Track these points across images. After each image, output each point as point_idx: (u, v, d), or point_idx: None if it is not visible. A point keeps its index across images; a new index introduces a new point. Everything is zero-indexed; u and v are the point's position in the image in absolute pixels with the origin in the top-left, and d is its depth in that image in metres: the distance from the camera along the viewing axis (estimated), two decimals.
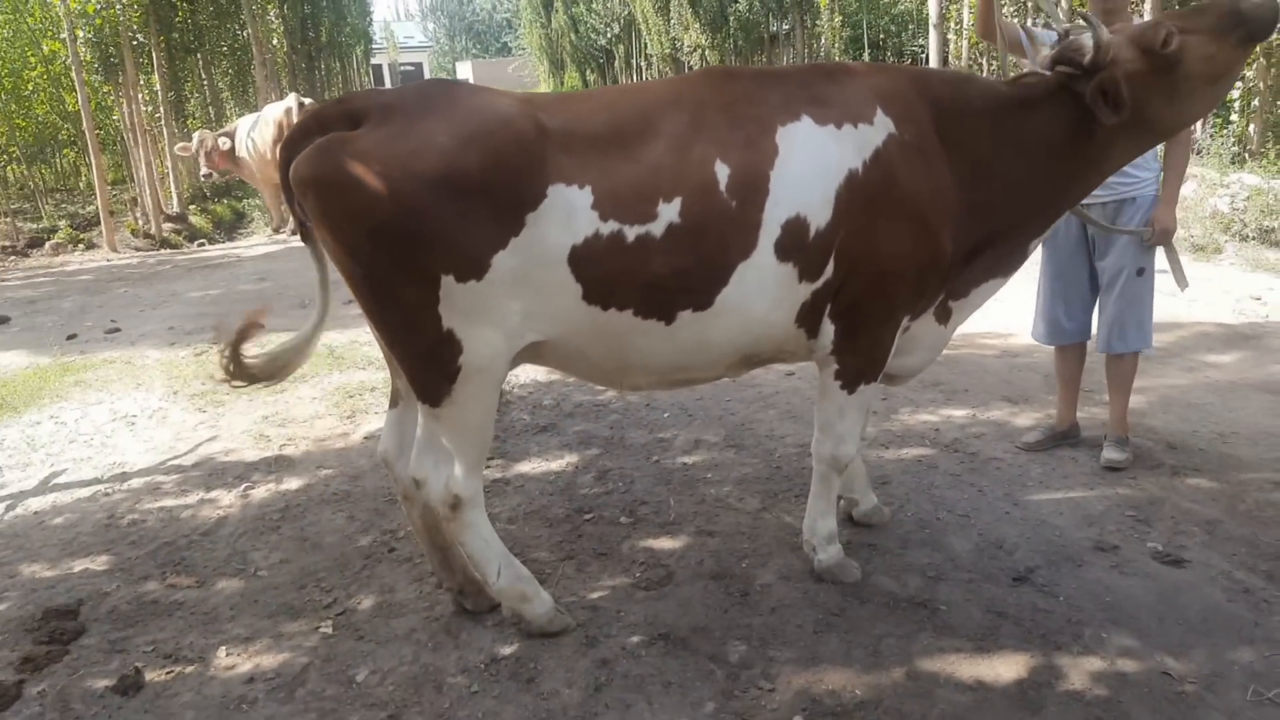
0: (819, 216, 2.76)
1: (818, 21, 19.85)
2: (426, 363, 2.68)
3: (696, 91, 2.84)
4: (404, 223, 2.47)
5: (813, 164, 2.77)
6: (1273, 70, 9.89)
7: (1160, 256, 4.05)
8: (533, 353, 2.85)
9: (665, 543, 3.68)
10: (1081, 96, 2.86)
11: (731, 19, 22.63)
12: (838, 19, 18.39)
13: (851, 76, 2.99)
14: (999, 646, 2.92)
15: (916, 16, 18.07)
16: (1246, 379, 5.28)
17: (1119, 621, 3.02)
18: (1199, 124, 9.31)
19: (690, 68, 26.89)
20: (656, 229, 2.63)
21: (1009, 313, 6.93)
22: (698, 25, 24.03)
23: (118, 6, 12.82)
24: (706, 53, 24.56)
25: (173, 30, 15.89)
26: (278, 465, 4.69)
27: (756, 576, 3.38)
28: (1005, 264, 3.25)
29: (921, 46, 17.56)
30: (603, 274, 2.64)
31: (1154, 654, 2.85)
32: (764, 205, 2.71)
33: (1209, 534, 3.57)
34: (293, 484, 4.44)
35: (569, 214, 2.58)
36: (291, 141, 2.62)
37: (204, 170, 13.92)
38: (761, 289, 2.77)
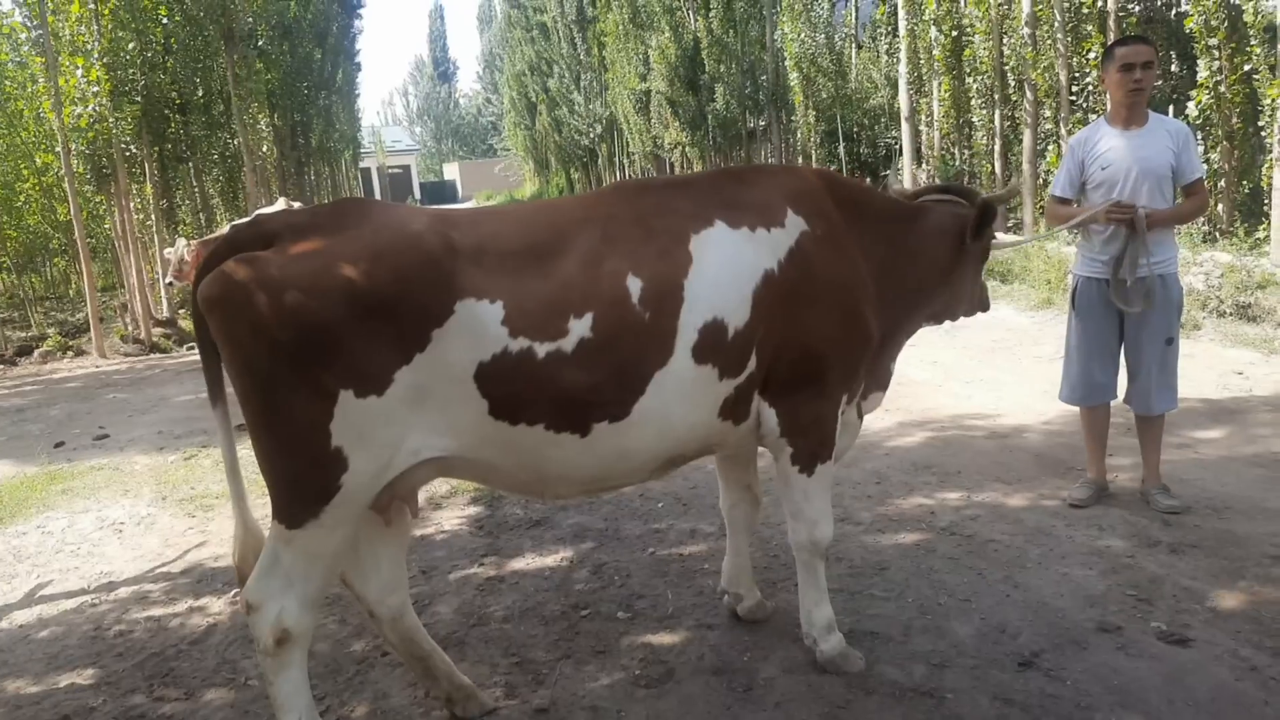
0: (737, 317, 2.84)
1: (793, 117, 20.49)
2: (304, 482, 2.57)
3: (608, 206, 2.91)
4: (307, 338, 2.43)
5: (728, 268, 2.85)
6: (1236, 152, 10.24)
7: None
8: (440, 468, 2.78)
9: (664, 638, 3.62)
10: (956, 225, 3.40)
11: (710, 117, 23.36)
12: (812, 114, 18.99)
13: (761, 178, 3.19)
14: None
15: (889, 110, 18.69)
16: (1236, 454, 5.31)
17: (1128, 705, 2.97)
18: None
19: (672, 164, 27.65)
20: (568, 344, 2.63)
21: (994, 394, 7.00)
22: (677, 124, 24.78)
23: (111, 120, 13.12)
24: (687, 149, 25.28)
25: (165, 141, 16.25)
26: None
27: (759, 670, 3.32)
28: (881, 376, 3.51)
29: (894, 138, 18.12)
30: (511, 390, 2.61)
31: None
32: (679, 313, 2.76)
33: (1211, 612, 3.54)
34: None
35: (477, 330, 2.56)
36: (206, 266, 2.57)
37: (168, 279, 13.65)
38: (680, 394, 2.80)
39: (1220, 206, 10.43)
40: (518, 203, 3.72)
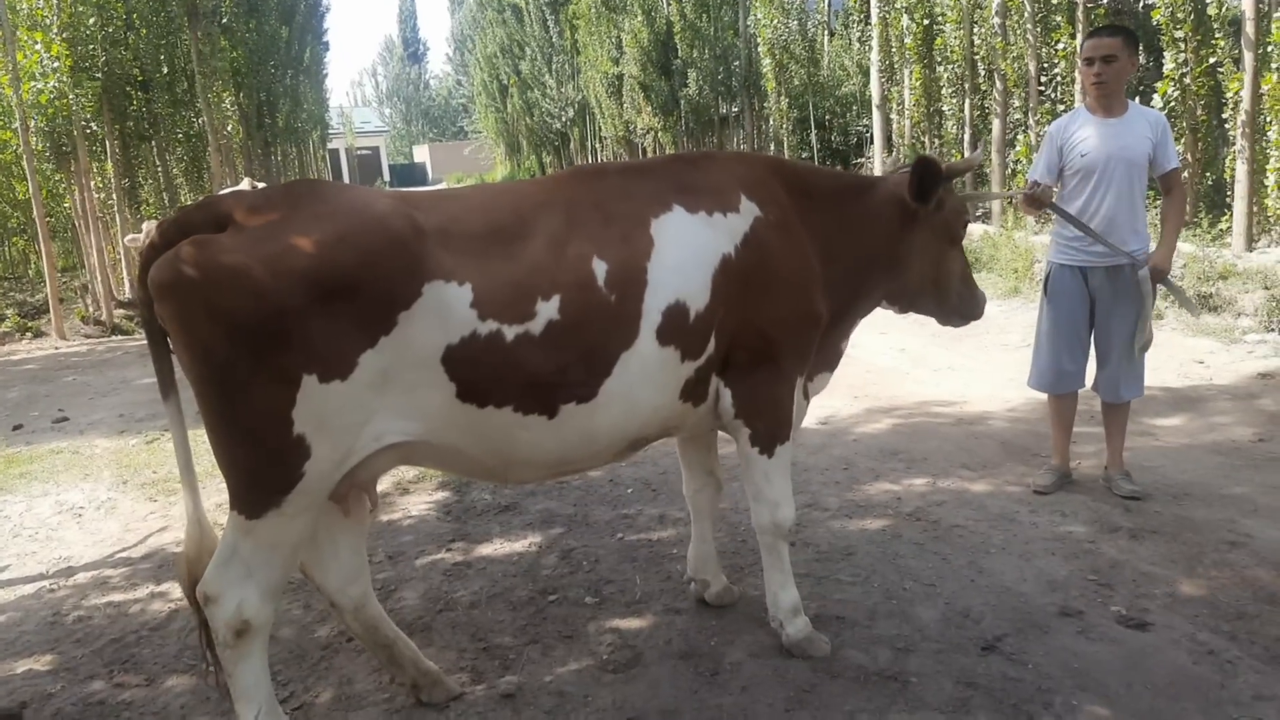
0: (698, 300, 2.89)
1: (765, 104, 20.47)
2: (265, 471, 2.50)
3: (568, 191, 2.93)
4: (268, 322, 2.36)
5: (688, 251, 2.90)
6: (1200, 144, 10.38)
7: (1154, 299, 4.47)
8: (402, 454, 2.74)
9: (632, 622, 3.62)
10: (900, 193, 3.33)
11: (682, 102, 23.27)
12: (784, 101, 18.98)
13: (714, 164, 3.25)
14: (971, 718, 2.89)
15: (860, 98, 18.73)
16: (1196, 441, 5.41)
17: (1088, 688, 3.02)
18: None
19: (644, 149, 27.55)
20: (536, 327, 2.63)
21: (961, 382, 7.06)
22: (650, 109, 24.66)
23: (71, 96, 12.82)
24: (659, 134, 25.18)
25: (127, 119, 15.91)
26: None
27: (726, 654, 3.33)
28: (830, 356, 3.52)
29: (866, 126, 18.17)
30: (480, 373, 2.60)
31: None
32: (643, 296, 2.80)
33: (1170, 596, 3.60)
34: None
35: (445, 313, 2.53)
36: (152, 248, 2.47)
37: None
38: (645, 375, 2.83)
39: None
40: (474, 186, 3.65)
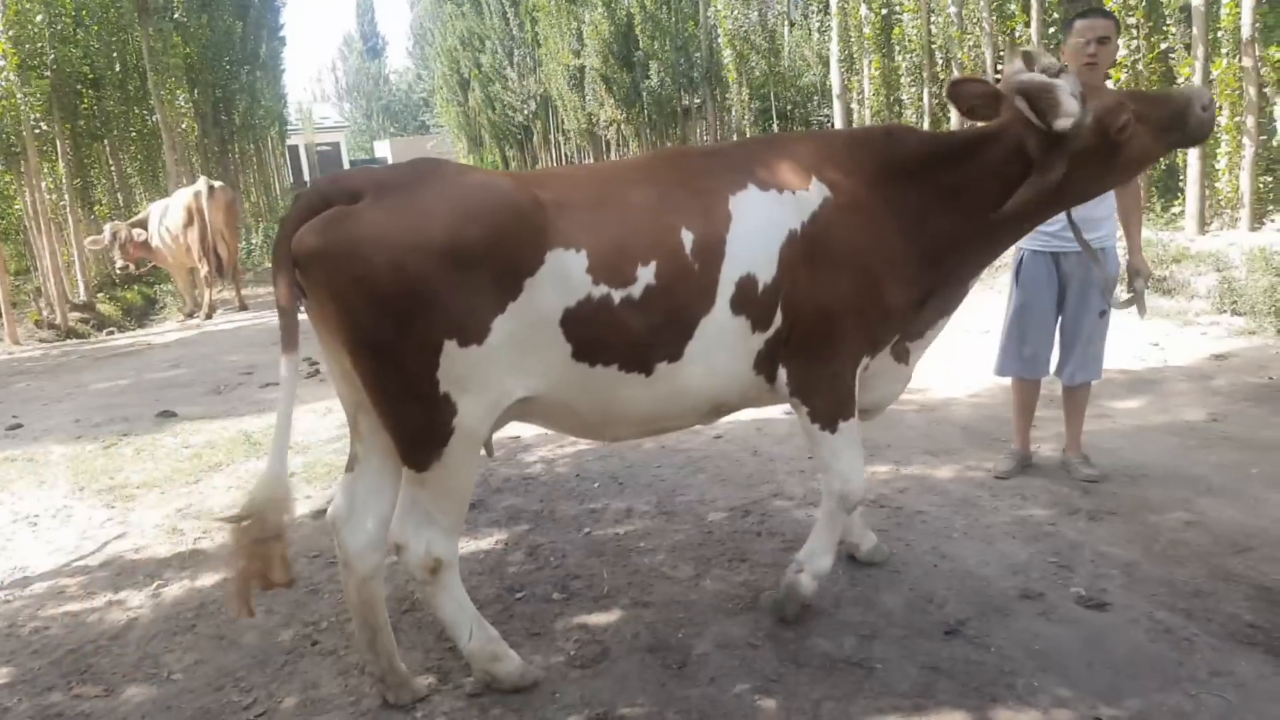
0: (765, 273, 3.01)
1: (727, 95, 20.50)
2: (420, 428, 2.77)
3: (657, 169, 3.14)
4: (411, 291, 2.58)
5: (759, 227, 3.02)
6: None
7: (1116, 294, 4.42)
8: (518, 410, 2.97)
9: (599, 617, 3.61)
10: (1020, 141, 3.03)
11: (645, 94, 23.24)
12: (746, 92, 19.03)
13: (790, 145, 3.29)
14: (936, 703, 2.92)
15: (821, 88, 18.82)
16: (1151, 423, 5.50)
17: (1049, 669, 3.06)
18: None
19: (607, 142, 27.49)
20: (636, 290, 2.85)
21: (924, 369, 7.12)
22: (612, 101, 24.59)
23: (19, 95, 12.53)
24: (622, 127, 25.13)
25: (78, 117, 15.59)
26: (192, 560, 4.49)
27: (693, 646, 3.34)
28: (949, 303, 3.50)
29: (827, 116, 18.26)
30: (592, 333, 2.83)
31: (1086, 700, 2.89)
32: (721, 265, 2.96)
33: (1128, 576, 3.66)
34: (208, 580, 4.25)
35: (565, 278, 2.76)
36: (293, 218, 2.69)
37: (120, 264, 13.70)
38: (720, 340, 3.00)
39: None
40: (574, 165, 3.83)
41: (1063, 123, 2.90)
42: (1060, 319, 4.71)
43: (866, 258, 3.10)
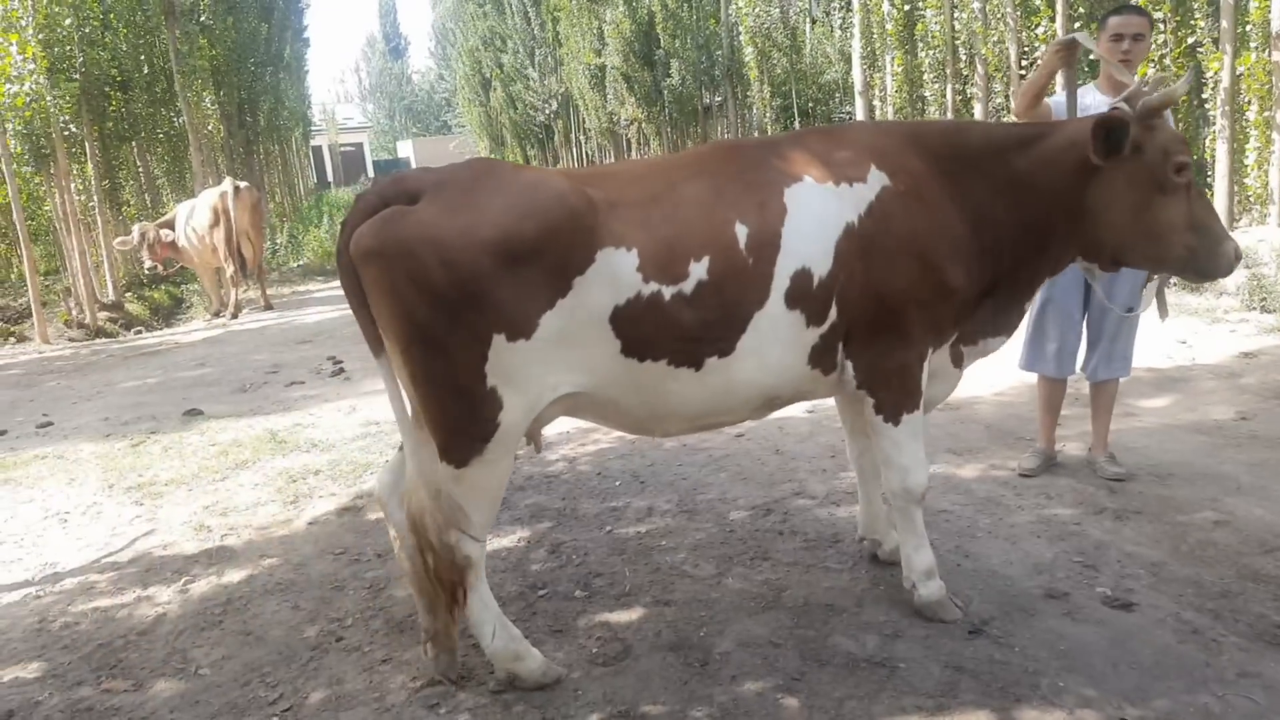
0: (821, 267, 3.01)
1: (748, 92, 20.45)
2: (465, 423, 2.82)
3: (710, 163, 3.12)
4: (461, 285, 2.65)
5: (815, 220, 3.02)
6: (1181, 125, 10.42)
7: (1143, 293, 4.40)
8: (567, 404, 3.02)
9: (621, 615, 3.62)
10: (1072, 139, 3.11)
11: (666, 92, 23.22)
12: (767, 90, 18.98)
13: (847, 135, 3.29)
14: (959, 702, 2.91)
15: (843, 85, 18.73)
16: (1179, 421, 5.44)
17: (1075, 669, 3.04)
18: None
19: (628, 141, 27.48)
20: (688, 287, 2.87)
21: None
22: (633, 100, 24.60)
23: (49, 98, 12.71)
24: (643, 126, 25.13)
25: (106, 119, 15.79)
26: (219, 557, 4.55)
27: (715, 645, 3.34)
28: (1005, 321, 3.44)
29: (849, 113, 18.17)
30: (641, 330, 2.86)
31: (1112, 701, 2.86)
32: (775, 259, 2.97)
33: (1155, 576, 3.63)
34: (235, 576, 4.30)
35: (615, 277, 2.80)
36: (352, 219, 2.78)
37: (148, 264, 13.92)
38: (774, 334, 3.00)
39: None
40: (628, 161, 3.86)
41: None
42: (1086, 315, 4.66)
43: (928, 246, 3.09)
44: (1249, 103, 9.13)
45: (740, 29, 19.17)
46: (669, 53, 22.58)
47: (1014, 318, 3.46)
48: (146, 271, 14.42)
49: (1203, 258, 3.12)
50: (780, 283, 2.96)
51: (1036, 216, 3.20)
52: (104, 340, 12.81)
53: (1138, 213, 3.10)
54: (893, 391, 3.21)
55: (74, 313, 13.46)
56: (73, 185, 14.01)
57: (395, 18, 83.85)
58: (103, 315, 13.78)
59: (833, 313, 3.06)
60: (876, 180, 3.09)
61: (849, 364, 3.18)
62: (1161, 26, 10.04)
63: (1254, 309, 7.66)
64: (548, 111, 34.92)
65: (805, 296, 3.00)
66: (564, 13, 28.18)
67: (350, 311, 2.88)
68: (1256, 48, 8.97)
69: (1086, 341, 4.71)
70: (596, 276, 2.78)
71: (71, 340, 12.75)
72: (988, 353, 3.52)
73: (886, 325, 3.11)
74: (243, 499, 5.36)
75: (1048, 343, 4.70)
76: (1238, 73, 9.13)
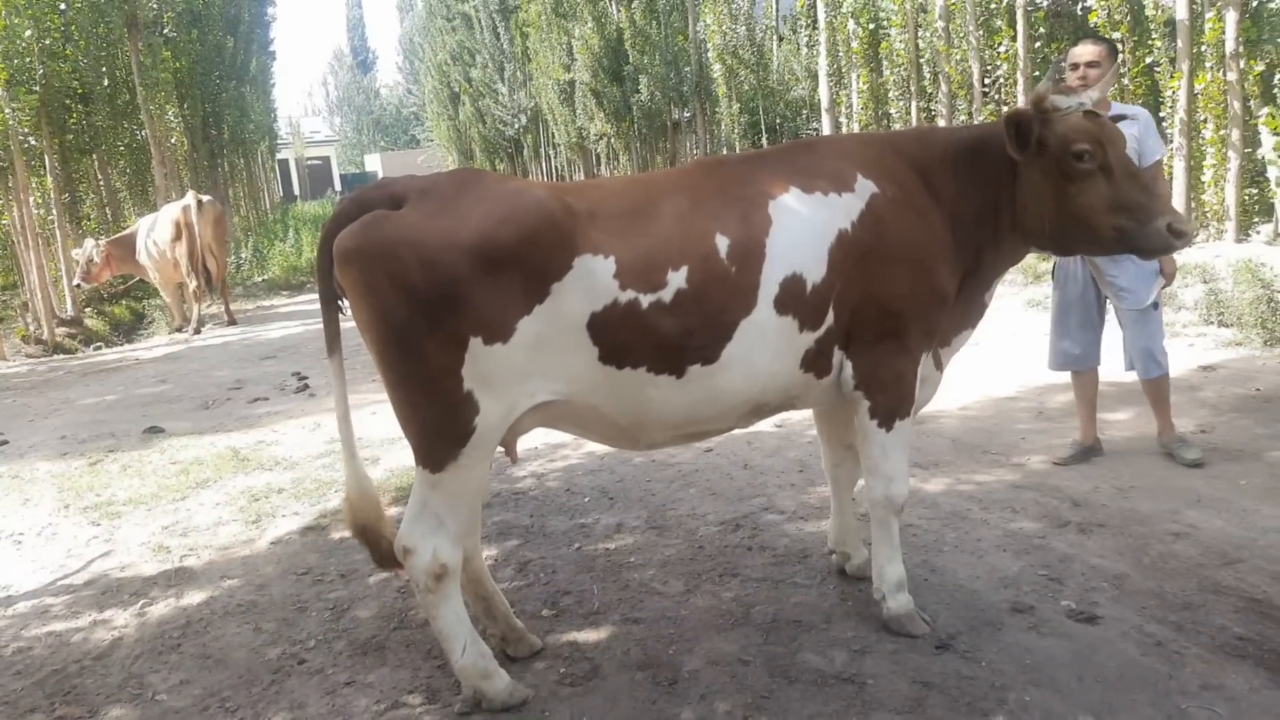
0: (814, 273, 3.07)
1: (717, 109, 20.56)
2: (442, 426, 2.85)
3: (693, 179, 3.19)
4: (440, 289, 2.70)
5: (805, 229, 3.09)
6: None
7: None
8: (545, 414, 3.03)
9: (590, 634, 3.59)
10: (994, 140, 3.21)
11: (635, 108, 23.28)
12: (735, 106, 19.09)
13: (830, 147, 3.42)
14: (927, 718, 2.91)
15: (810, 102, 18.89)
16: (1140, 434, 5.51)
17: (1040, 684, 3.05)
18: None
19: (597, 156, 27.52)
20: (667, 295, 2.91)
21: None
22: (602, 115, 24.64)
23: (7, 111, 12.49)
24: (612, 141, 25.17)
25: (67, 132, 15.55)
26: (178, 578, 4.45)
27: (684, 663, 3.32)
28: (971, 312, 3.52)
29: (816, 130, 18.32)
30: (619, 337, 2.90)
31: (1076, 714, 2.88)
32: (761, 268, 3.02)
33: (1118, 589, 3.66)
34: (194, 597, 4.21)
35: (591, 283, 2.84)
36: (334, 221, 2.85)
37: (75, 280, 13.66)
38: (763, 341, 3.05)
39: None
40: (611, 176, 3.93)
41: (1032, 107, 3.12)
42: (1108, 311, 5.00)
43: (922, 250, 3.18)
44: (1205, 121, 9.33)
45: (708, 46, 19.29)
46: (638, 69, 22.65)
47: (975, 310, 3.53)
48: (73, 287, 14.13)
49: (1135, 237, 3.13)
50: (768, 290, 3.01)
51: (986, 210, 3.31)
52: (62, 356, 12.56)
53: (1058, 200, 3.18)
54: (889, 396, 3.27)
55: (31, 328, 13.21)
56: (31, 199, 13.76)
57: (363, 32, 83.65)
58: (61, 331, 13.53)
59: (829, 318, 3.13)
60: (865, 189, 3.17)
61: (848, 365, 3.23)
62: (1119, 46, 10.24)
63: (1211, 323, 7.79)
64: (517, 126, 34.87)
65: (797, 303, 3.05)
66: (533, 28, 28.20)
67: (318, 326, 2.90)
68: (1212, 67, 9.17)
69: (1124, 342, 5.02)
70: (574, 283, 2.82)
71: (29, 356, 12.50)
72: (958, 348, 3.62)
73: (886, 330, 3.18)
74: (204, 518, 5.26)
75: (1065, 341, 5.04)
76: (1194, 92, 9.33)
